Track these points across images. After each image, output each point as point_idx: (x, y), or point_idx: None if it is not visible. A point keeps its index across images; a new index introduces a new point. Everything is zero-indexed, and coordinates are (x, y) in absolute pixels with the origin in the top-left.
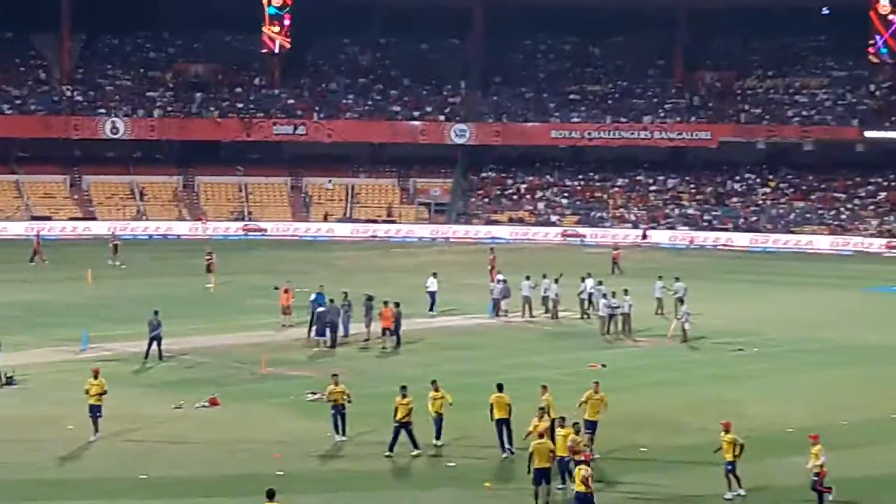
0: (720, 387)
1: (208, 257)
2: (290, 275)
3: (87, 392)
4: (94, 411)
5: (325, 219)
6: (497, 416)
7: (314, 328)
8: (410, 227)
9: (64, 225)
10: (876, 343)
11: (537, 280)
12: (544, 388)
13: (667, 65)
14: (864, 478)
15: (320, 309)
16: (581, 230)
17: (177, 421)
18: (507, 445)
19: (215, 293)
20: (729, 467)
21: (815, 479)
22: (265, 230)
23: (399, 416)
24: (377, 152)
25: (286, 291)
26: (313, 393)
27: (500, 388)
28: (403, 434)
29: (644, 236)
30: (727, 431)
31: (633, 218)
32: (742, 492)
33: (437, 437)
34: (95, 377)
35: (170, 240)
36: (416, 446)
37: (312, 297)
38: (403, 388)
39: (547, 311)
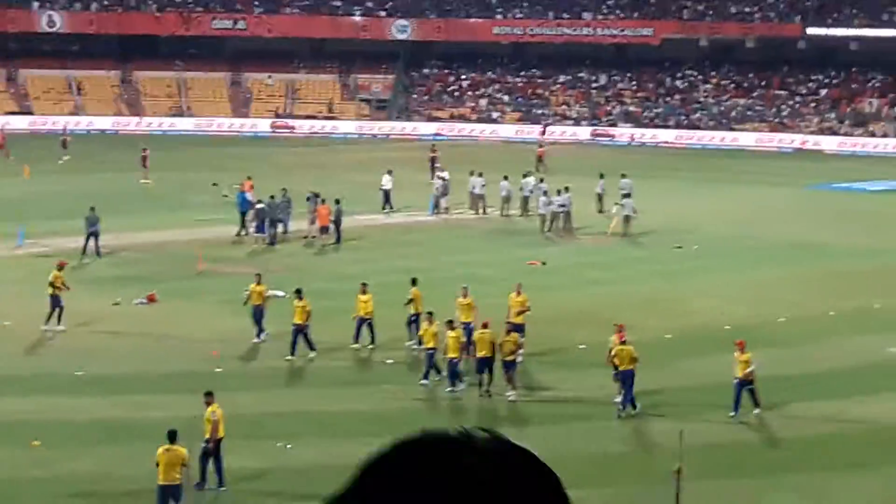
0: (660, 284)
1: (143, 152)
2: (231, 172)
3: (51, 285)
4: (57, 302)
5: (277, 116)
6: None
7: (254, 224)
8: (351, 123)
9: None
10: (816, 240)
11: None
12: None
13: None
14: (802, 375)
15: (259, 205)
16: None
17: (115, 317)
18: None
19: (153, 189)
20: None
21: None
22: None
23: (296, 318)
24: (318, 48)
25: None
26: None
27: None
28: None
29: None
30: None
31: (574, 115)
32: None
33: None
34: (60, 269)
35: (108, 135)
36: (311, 348)
37: (237, 195)
38: (298, 291)
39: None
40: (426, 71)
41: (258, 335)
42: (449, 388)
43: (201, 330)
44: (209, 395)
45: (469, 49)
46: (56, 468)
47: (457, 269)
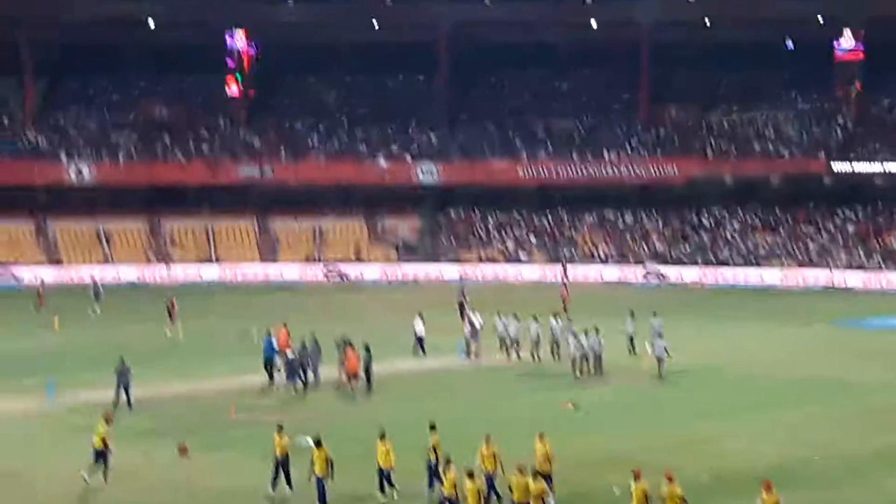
0: (693, 425)
1: (170, 304)
2: (262, 318)
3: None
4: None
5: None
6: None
7: (285, 373)
8: (378, 267)
9: (30, 270)
10: (846, 377)
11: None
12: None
13: (632, 99)
14: None
15: (290, 354)
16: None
17: (145, 469)
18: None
19: (184, 339)
20: None
21: None
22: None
23: (317, 469)
24: (344, 193)
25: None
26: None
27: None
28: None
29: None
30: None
31: (602, 255)
32: None
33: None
34: (107, 422)
35: (137, 285)
36: (290, 486)
37: (263, 340)
38: (318, 441)
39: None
40: (452, 214)
41: (272, 487)
42: None
43: (233, 480)
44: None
45: (495, 191)
46: None
47: (488, 414)
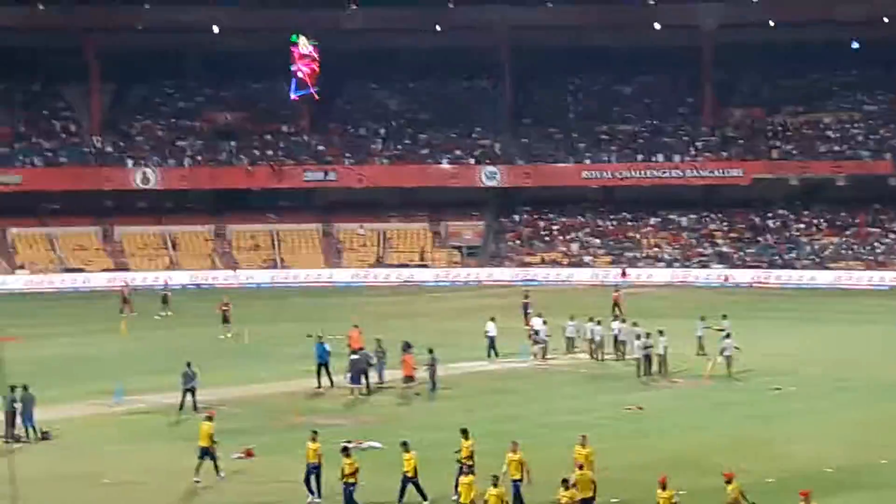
0: (757, 427)
1: (225, 307)
2: (324, 322)
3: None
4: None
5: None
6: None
7: (349, 375)
8: (443, 270)
9: (98, 276)
10: None
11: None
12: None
13: (696, 102)
14: None
15: (353, 357)
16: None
17: (213, 473)
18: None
19: (244, 343)
20: None
21: None
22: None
23: (406, 469)
24: (408, 196)
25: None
26: (348, 442)
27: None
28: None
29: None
30: (729, 482)
31: (666, 257)
32: None
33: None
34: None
35: (203, 289)
36: (423, 497)
37: (315, 348)
38: (405, 443)
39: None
40: (516, 217)
41: (311, 495)
42: None
43: (297, 483)
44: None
45: (558, 194)
46: None
47: (552, 416)
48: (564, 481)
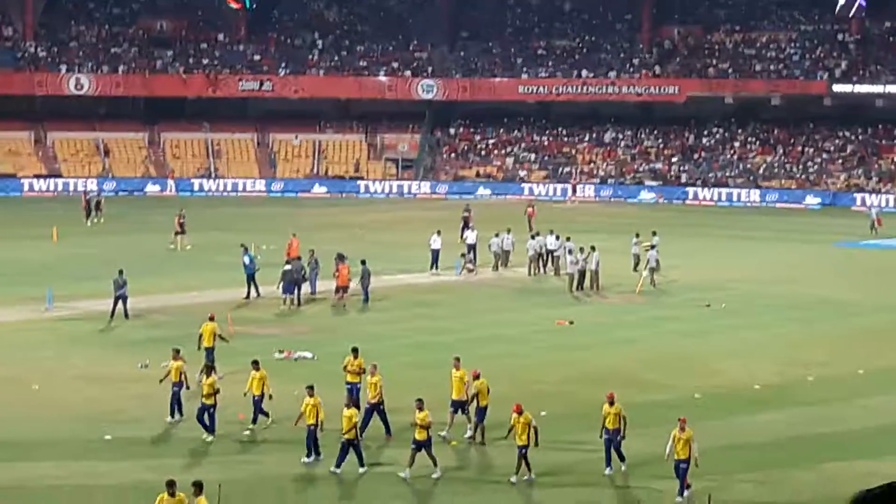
0: (687, 343)
1: (180, 217)
2: (259, 233)
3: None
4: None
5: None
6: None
7: (281, 285)
8: (378, 182)
9: (31, 182)
10: (844, 298)
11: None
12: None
13: (634, 19)
14: (833, 434)
15: (286, 267)
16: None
17: (142, 381)
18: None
19: (188, 250)
20: (523, 451)
21: (684, 466)
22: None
23: (309, 419)
24: (344, 108)
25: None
26: (280, 352)
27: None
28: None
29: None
30: (520, 413)
31: (601, 173)
32: (532, 476)
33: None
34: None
35: (136, 196)
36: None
37: (244, 257)
38: (310, 387)
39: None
40: (452, 130)
41: (254, 421)
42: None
43: (228, 391)
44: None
45: (495, 108)
46: None
47: (484, 330)
48: (419, 400)
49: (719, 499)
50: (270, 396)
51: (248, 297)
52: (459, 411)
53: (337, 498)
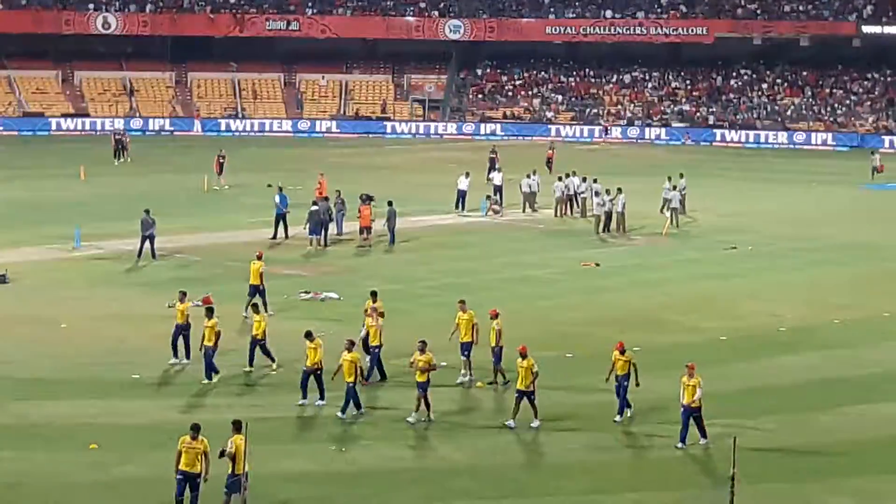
0: (713, 285)
1: (220, 157)
2: (287, 172)
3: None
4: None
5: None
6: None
7: (308, 226)
8: (404, 124)
9: (58, 121)
10: (871, 241)
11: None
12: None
13: None
14: (857, 377)
15: (313, 208)
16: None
17: (169, 320)
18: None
19: (214, 191)
20: (523, 395)
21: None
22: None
23: (309, 361)
24: (371, 48)
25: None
26: (306, 292)
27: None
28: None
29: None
30: (524, 357)
31: (628, 115)
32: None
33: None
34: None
35: (162, 136)
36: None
37: (276, 197)
38: (308, 333)
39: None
40: (479, 71)
41: (250, 363)
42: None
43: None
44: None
45: (522, 49)
46: (112, 472)
47: (510, 271)
48: (422, 342)
49: (743, 441)
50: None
51: (275, 237)
52: (466, 354)
53: (335, 439)
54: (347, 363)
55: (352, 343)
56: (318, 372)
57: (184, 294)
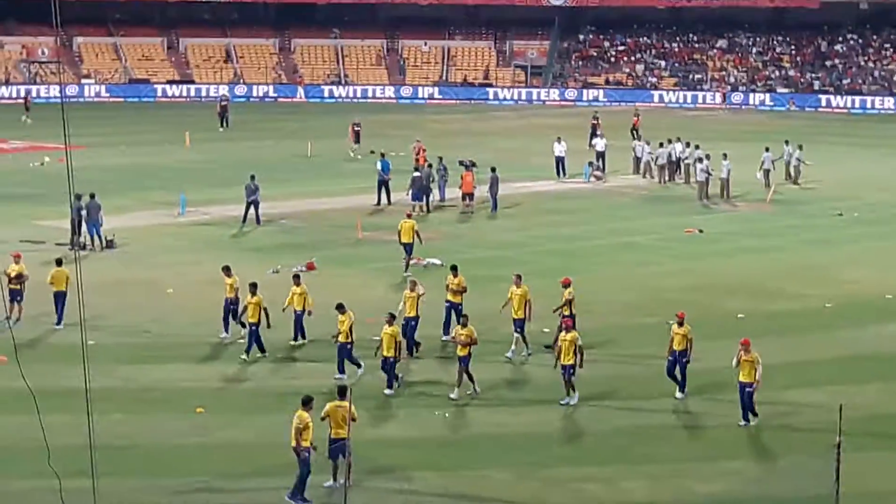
0: (818, 252)
1: (356, 126)
2: (389, 138)
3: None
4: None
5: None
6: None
7: (410, 192)
8: (506, 90)
9: (163, 87)
10: None
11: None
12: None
13: None
14: None
15: (415, 174)
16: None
17: (274, 285)
18: None
19: (312, 157)
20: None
21: (749, 390)
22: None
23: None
24: (473, 14)
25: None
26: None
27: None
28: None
29: (723, 98)
30: (568, 330)
31: (732, 80)
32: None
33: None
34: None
35: (266, 102)
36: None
37: (378, 164)
38: (340, 306)
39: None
40: (581, 37)
41: (295, 338)
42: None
43: (358, 297)
44: (306, 401)
45: (625, 14)
46: (217, 435)
47: (613, 237)
48: (464, 316)
49: (848, 409)
50: (310, 313)
51: (378, 203)
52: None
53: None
54: (388, 336)
55: (392, 316)
56: (350, 345)
57: (228, 269)
